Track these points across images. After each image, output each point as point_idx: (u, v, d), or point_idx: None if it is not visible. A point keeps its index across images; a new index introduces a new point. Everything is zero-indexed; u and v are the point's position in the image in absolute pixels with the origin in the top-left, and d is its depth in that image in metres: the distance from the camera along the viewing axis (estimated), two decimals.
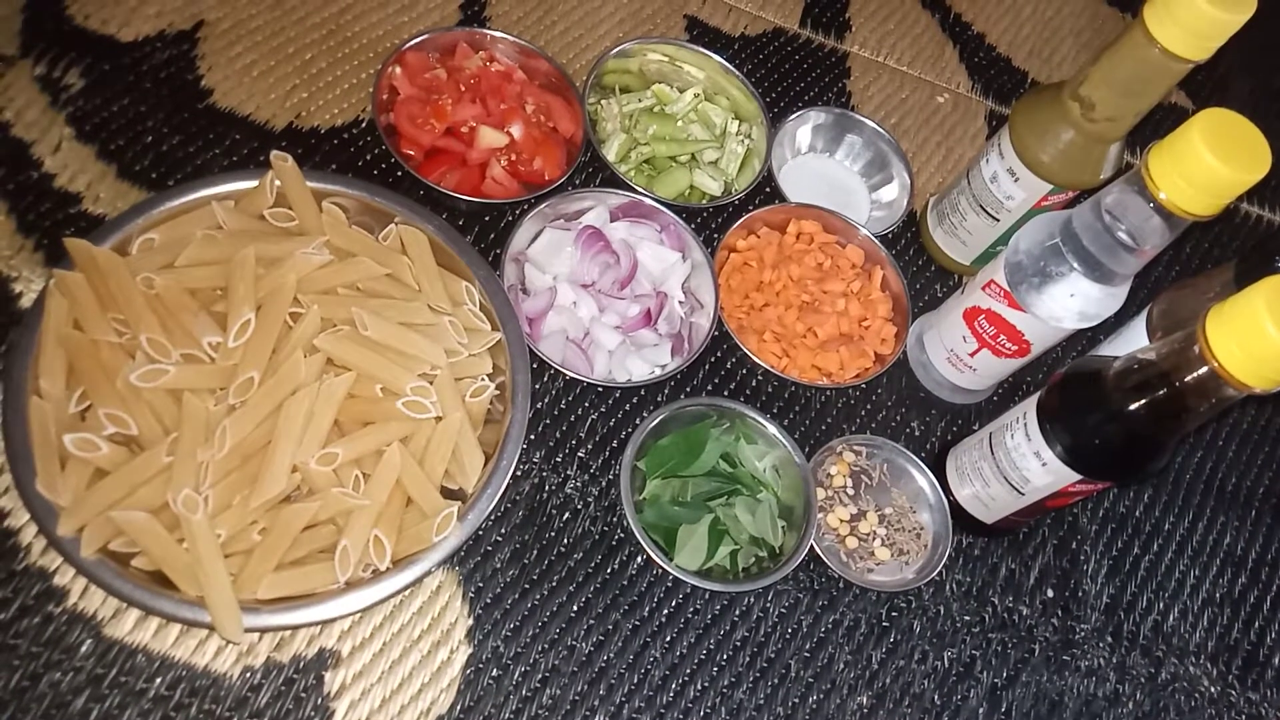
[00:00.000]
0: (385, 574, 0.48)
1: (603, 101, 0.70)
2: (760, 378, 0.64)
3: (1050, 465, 0.54)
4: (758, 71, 0.77)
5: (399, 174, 0.64)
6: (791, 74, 0.78)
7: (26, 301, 0.54)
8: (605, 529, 0.57)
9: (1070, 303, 0.56)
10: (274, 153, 0.55)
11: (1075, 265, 0.54)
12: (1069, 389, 0.53)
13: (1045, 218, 0.58)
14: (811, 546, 0.57)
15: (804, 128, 0.74)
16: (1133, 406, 0.48)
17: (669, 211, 0.64)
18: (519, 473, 0.57)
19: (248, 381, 0.49)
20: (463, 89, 0.63)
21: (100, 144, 0.59)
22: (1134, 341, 0.63)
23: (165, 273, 0.51)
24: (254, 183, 0.55)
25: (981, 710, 0.58)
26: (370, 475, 0.50)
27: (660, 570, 0.56)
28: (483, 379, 0.55)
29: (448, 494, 0.52)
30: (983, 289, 0.61)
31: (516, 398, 0.54)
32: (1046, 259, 0.56)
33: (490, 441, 0.54)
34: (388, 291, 0.54)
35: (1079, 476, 0.53)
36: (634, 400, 0.61)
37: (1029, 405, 0.56)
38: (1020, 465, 0.56)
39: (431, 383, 0.52)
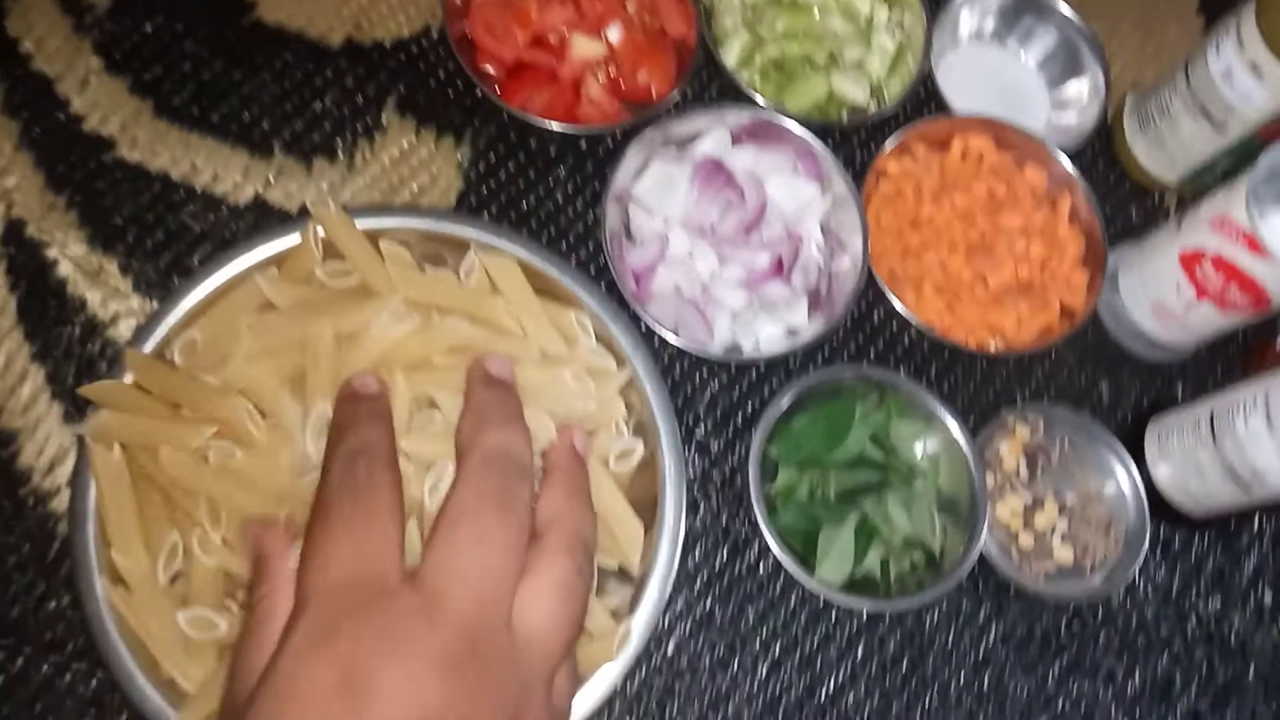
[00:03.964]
0: None
1: None
2: (914, 335, 0.53)
3: None
4: None
5: (478, 96, 0.53)
6: None
7: (62, 270, 0.47)
8: (728, 524, 0.49)
9: None
10: (311, 201, 0.45)
11: None
12: None
13: None
14: None
15: (968, 10, 0.60)
16: None
17: (804, 132, 0.52)
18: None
19: None
20: None
21: (133, 75, 0.51)
22: None
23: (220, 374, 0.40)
24: (293, 238, 0.43)
25: None
26: None
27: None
28: (622, 431, 0.44)
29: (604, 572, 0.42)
30: (1211, 226, 0.48)
31: (661, 441, 0.43)
32: None
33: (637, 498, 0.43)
34: (489, 345, 0.42)
35: None
36: (762, 367, 0.52)
37: (1273, 384, 0.44)
38: (1253, 459, 0.45)
39: None
